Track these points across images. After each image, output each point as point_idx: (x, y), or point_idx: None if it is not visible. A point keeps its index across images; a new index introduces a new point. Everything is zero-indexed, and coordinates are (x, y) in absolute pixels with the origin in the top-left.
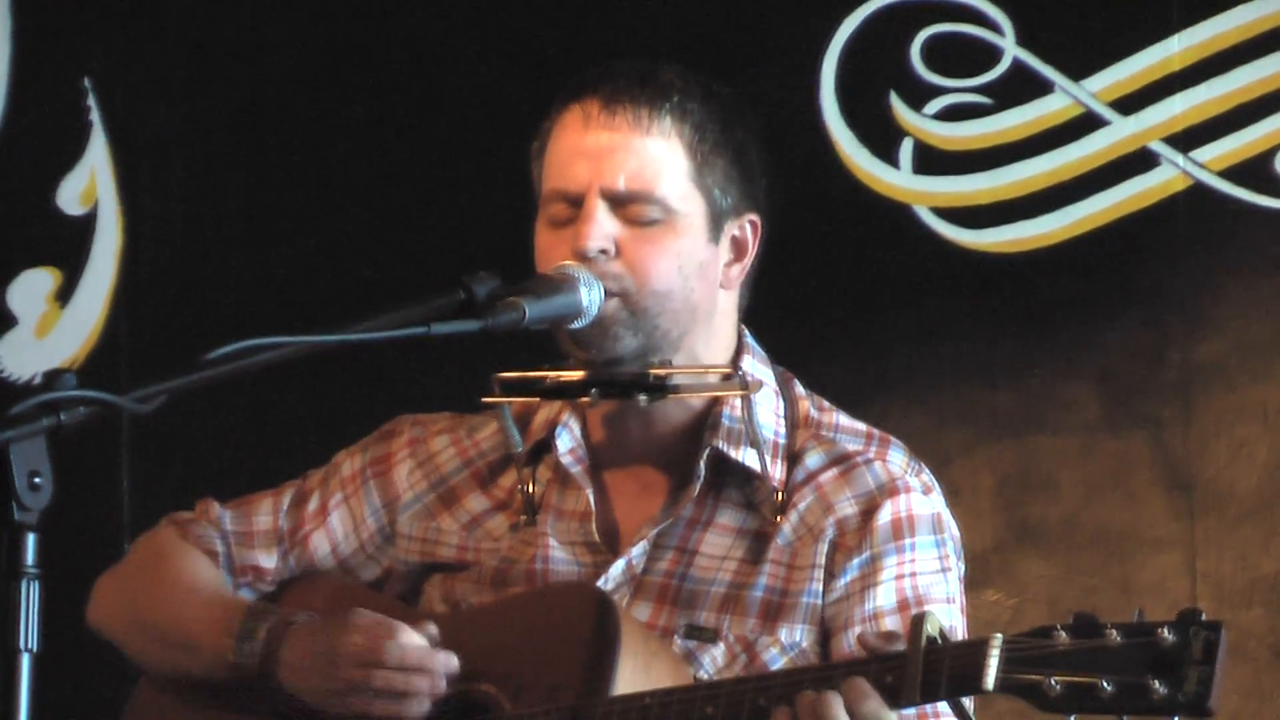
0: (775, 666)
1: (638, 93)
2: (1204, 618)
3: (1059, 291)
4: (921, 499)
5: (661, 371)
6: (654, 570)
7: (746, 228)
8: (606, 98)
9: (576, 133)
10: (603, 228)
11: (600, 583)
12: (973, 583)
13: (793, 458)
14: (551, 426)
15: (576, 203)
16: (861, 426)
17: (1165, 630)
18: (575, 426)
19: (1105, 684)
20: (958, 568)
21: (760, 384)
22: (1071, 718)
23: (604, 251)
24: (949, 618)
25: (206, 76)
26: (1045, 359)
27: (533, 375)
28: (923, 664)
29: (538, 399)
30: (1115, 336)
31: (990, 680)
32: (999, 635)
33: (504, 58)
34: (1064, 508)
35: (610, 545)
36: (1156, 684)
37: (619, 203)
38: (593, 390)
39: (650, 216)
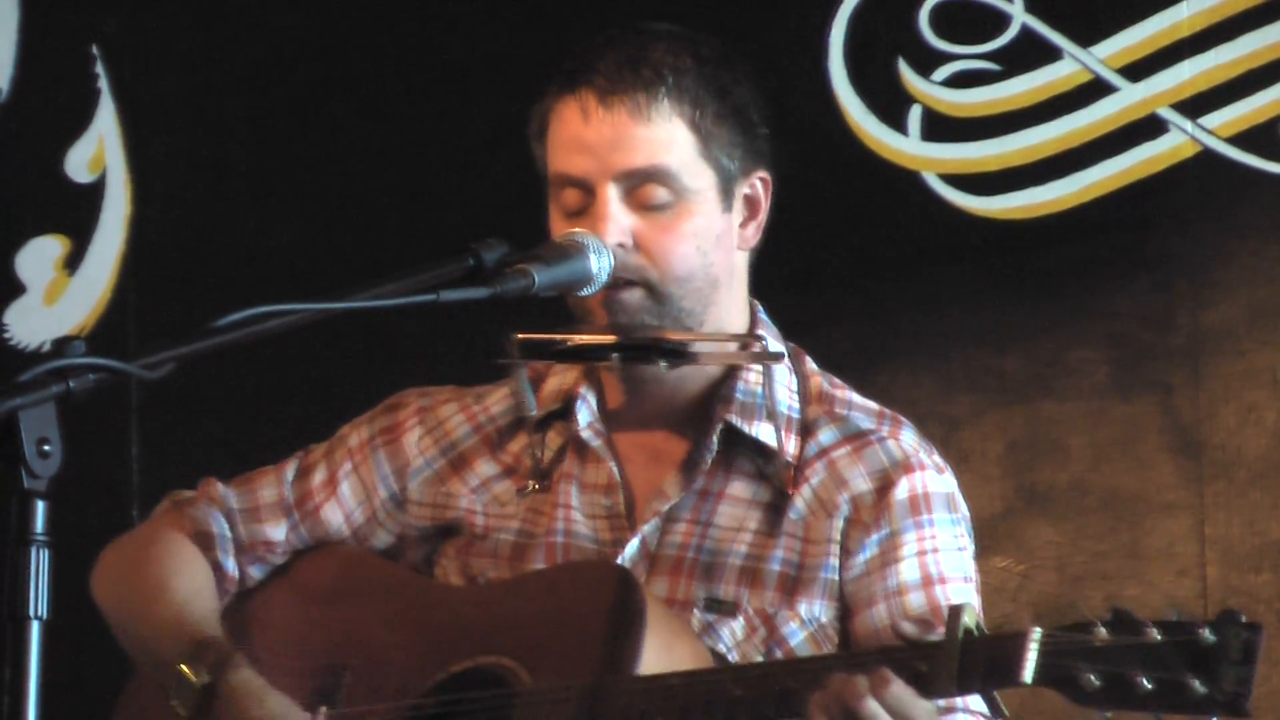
0: (795, 641)
1: (632, 79)
2: (1244, 619)
3: (1067, 257)
4: (936, 476)
5: (683, 336)
6: (668, 544)
7: (757, 185)
8: (602, 91)
9: (576, 125)
10: (619, 223)
11: (618, 560)
12: (981, 549)
13: (805, 432)
14: (565, 396)
15: (583, 187)
16: (874, 405)
17: (1205, 630)
18: (592, 399)
19: (1144, 680)
20: (971, 548)
21: (782, 354)
22: (1107, 714)
23: (621, 245)
24: (967, 596)
25: (214, 43)
26: (1054, 324)
27: (551, 337)
28: (960, 654)
29: (555, 361)
30: (1124, 302)
31: (1028, 673)
32: (1037, 629)
33: (510, 22)
34: (1072, 473)
35: (628, 517)
36: (1195, 683)
37: (630, 191)
38: (614, 355)
39: (662, 200)
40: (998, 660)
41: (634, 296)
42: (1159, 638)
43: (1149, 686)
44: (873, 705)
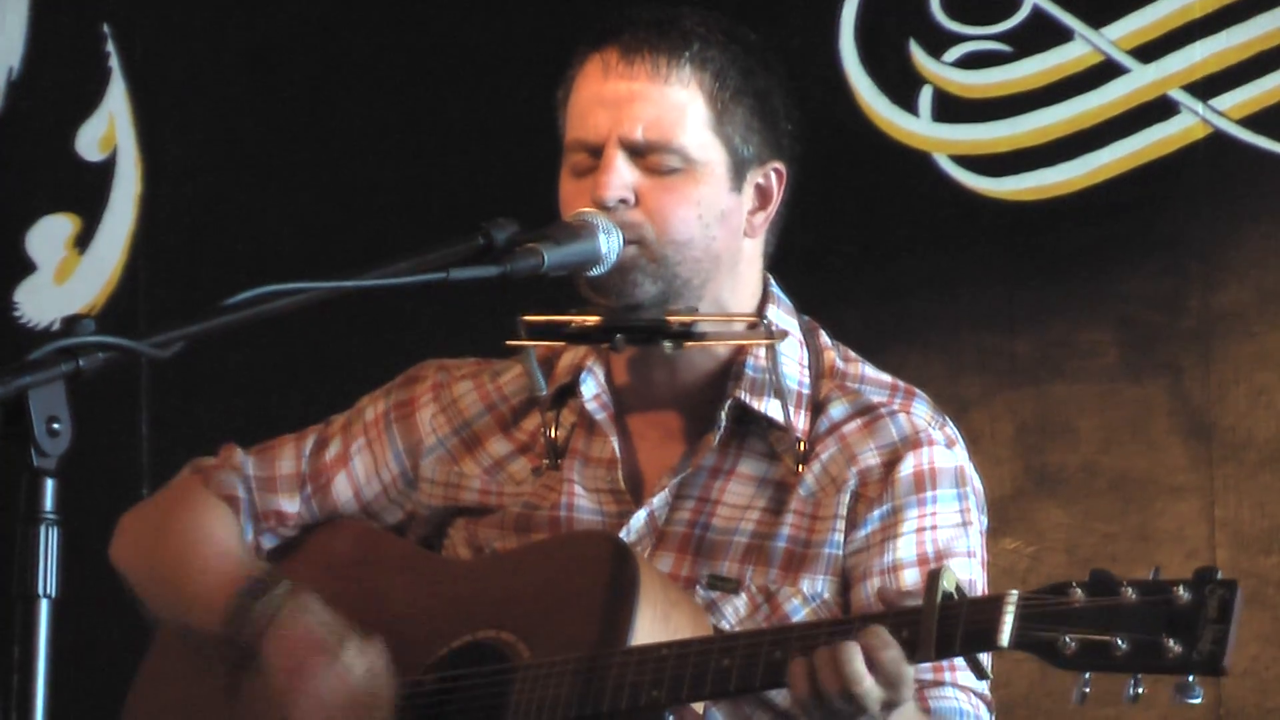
0: (797, 617)
1: (657, 41)
2: (1220, 576)
3: (1078, 239)
4: (945, 452)
5: (686, 319)
6: (675, 520)
7: (771, 176)
8: (625, 47)
9: (596, 82)
10: (621, 177)
11: (622, 534)
12: (991, 531)
13: (816, 408)
14: (576, 371)
15: (596, 152)
16: (886, 378)
17: (1181, 588)
18: (600, 372)
19: (1120, 642)
20: (979, 521)
21: (785, 334)
22: (1085, 675)
23: (623, 201)
24: (969, 571)
25: (225, 22)
26: (1064, 306)
27: (558, 319)
28: (938, 619)
29: (562, 343)
30: (1135, 284)
31: (1005, 636)
32: (1014, 591)
33: (525, 4)
34: (1083, 455)
35: (634, 493)
36: (1171, 642)
37: (638, 153)
38: (617, 336)
39: (669, 166)
40: (976, 624)
41: (629, 253)
42: (1134, 598)
43: (1125, 647)
44: (866, 677)
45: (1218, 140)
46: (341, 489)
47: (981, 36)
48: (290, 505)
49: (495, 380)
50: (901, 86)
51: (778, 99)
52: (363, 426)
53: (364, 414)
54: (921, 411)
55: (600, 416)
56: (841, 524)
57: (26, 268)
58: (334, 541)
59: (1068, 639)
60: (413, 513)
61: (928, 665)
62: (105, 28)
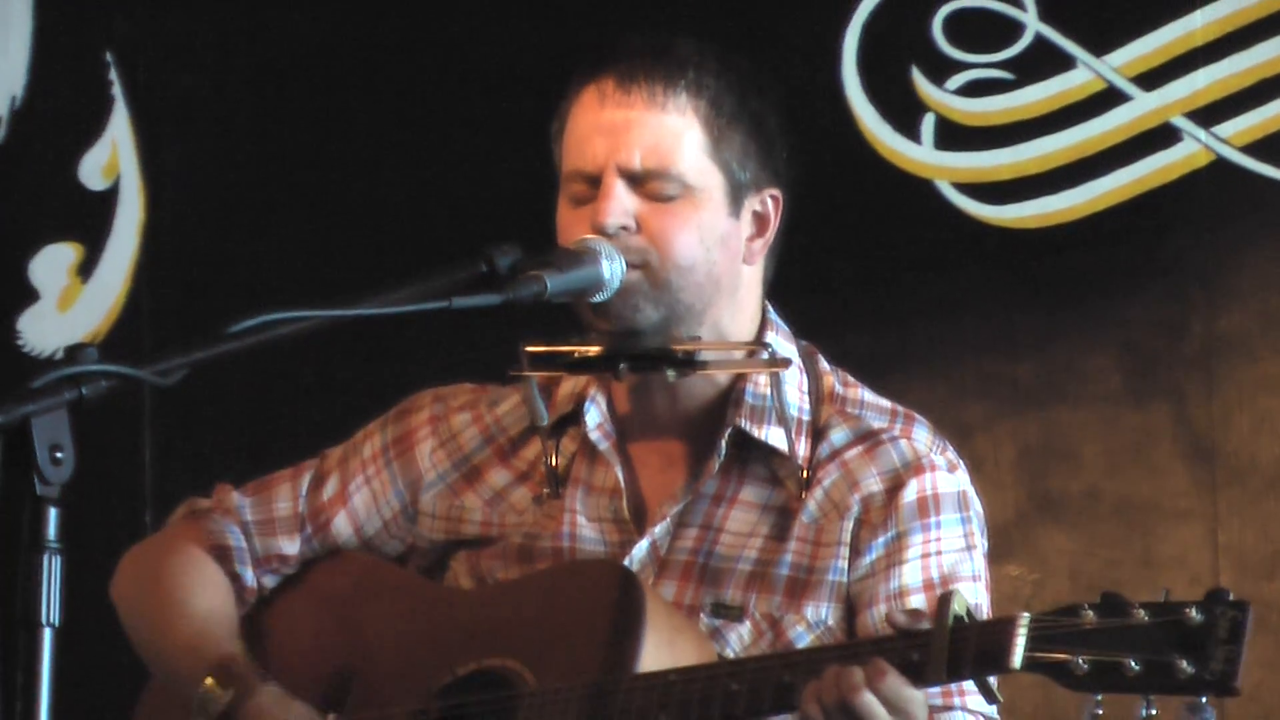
0: (801, 644)
1: (653, 68)
2: (1231, 597)
3: (1081, 265)
4: (947, 476)
5: (690, 346)
6: (678, 549)
7: (768, 202)
8: (621, 75)
9: (593, 111)
10: (621, 204)
11: (625, 563)
12: (994, 556)
13: (817, 434)
14: (578, 400)
15: (595, 181)
16: (886, 403)
17: (1192, 610)
18: (602, 401)
19: (1132, 663)
20: (982, 545)
21: (789, 361)
22: (1097, 697)
23: (624, 228)
24: (975, 595)
25: (228, 49)
26: (1067, 332)
27: (560, 349)
28: (949, 642)
29: (564, 372)
30: (1138, 309)
31: (1017, 659)
32: (1026, 614)
33: (526, 27)
34: (1086, 480)
35: (637, 521)
36: (1183, 663)
37: (636, 180)
38: (621, 365)
39: (668, 192)
40: (987, 647)
41: (632, 278)
42: (1146, 619)
43: (1137, 668)
44: (868, 697)
45: (1220, 167)
46: (342, 527)
47: (984, 64)
48: (291, 547)
49: (492, 410)
50: (904, 113)
51: (773, 124)
52: (360, 463)
53: (361, 450)
54: (922, 436)
55: (604, 446)
56: (845, 550)
57: (30, 296)
58: (336, 573)
59: (1080, 660)
60: (413, 545)
61: (937, 690)
62: (108, 56)
